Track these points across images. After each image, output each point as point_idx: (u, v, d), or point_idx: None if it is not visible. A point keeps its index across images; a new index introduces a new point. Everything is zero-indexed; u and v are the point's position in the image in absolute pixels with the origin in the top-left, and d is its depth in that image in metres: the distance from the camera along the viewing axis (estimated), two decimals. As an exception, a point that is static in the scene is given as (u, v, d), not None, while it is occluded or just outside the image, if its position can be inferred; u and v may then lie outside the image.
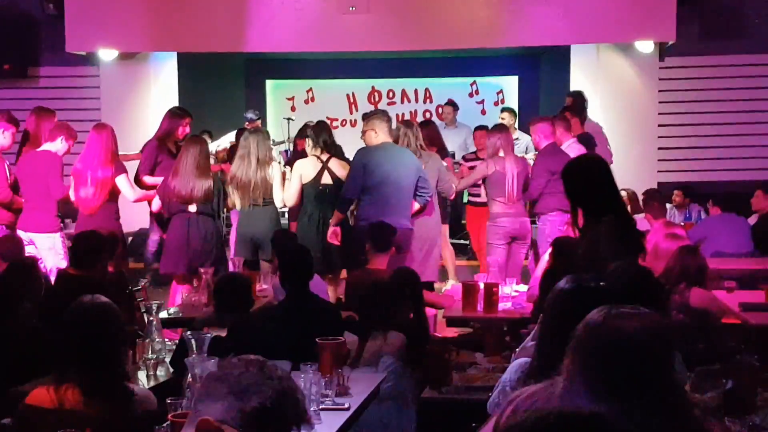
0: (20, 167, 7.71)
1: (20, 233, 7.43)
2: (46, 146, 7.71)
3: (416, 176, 7.22)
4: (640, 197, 9.59)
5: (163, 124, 8.14)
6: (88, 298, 3.42)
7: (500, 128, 8.36)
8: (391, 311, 4.81)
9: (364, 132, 7.40)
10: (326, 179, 7.55)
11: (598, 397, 2.27)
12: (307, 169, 7.62)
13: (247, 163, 7.50)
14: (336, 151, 8.03)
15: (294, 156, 9.57)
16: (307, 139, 7.90)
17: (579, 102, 9.72)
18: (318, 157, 7.58)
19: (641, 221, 8.82)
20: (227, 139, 10.41)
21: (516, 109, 12.18)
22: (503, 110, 11.34)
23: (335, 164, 7.64)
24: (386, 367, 4.53)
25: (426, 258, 7.45)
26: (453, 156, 10.03)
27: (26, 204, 7.57)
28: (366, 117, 7.72)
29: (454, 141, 10.81)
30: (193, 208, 7.32)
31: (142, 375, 4.56)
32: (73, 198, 7.45)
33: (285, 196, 7.55)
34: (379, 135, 7.21)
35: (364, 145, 7.38)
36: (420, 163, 7.42)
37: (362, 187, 7.09)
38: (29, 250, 6.80)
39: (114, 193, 7.42)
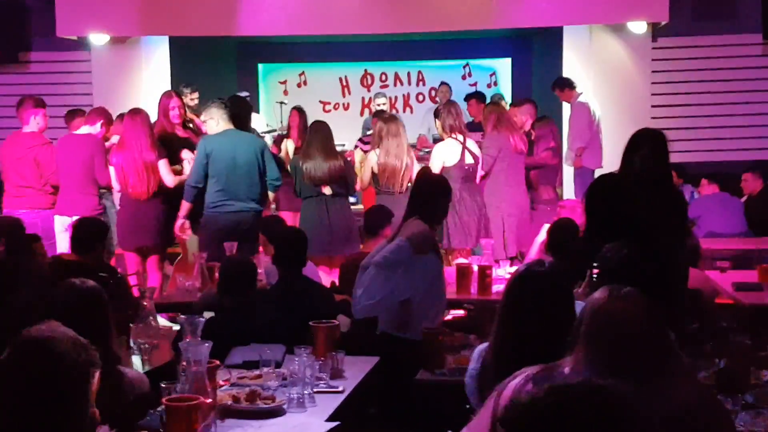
0: (59, 150, 7.58)
1: (59, 218, 7.37)
2: (84, 129, 7.64)
3: (260, 158, 7.21)
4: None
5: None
6: (77, 281, 3.42)
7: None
8: None
9: (204, 122, 7.35)
10: (468, 159, 7.69)
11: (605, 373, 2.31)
12: (449, 152, 7.70)
13: (400, 146, 7.51)
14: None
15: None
16: (436, 122, 8.10)
17: (564, 85, 9.77)
18: (456, 139, 7.68)
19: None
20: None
21: (509, 90, 12.12)
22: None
23: (471, 144, 7.81)
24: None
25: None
26: None
27: (66, 187, 7.47)
28: (205, 108, 7.55)
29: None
30: (328, 190, 7.30)
31: (136, 359, 4.55)
32: (117, 186, 7.36)
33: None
34: (220, 123, 7.18)
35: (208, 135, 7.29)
36: (264, 145, 7.48)
37: (207, 174, 7.07)
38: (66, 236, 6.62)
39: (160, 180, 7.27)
